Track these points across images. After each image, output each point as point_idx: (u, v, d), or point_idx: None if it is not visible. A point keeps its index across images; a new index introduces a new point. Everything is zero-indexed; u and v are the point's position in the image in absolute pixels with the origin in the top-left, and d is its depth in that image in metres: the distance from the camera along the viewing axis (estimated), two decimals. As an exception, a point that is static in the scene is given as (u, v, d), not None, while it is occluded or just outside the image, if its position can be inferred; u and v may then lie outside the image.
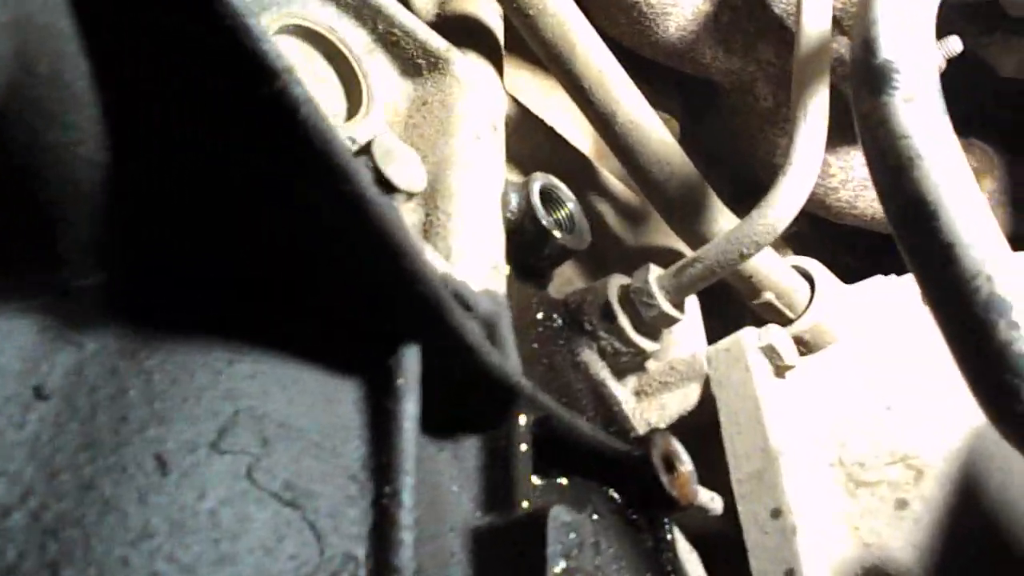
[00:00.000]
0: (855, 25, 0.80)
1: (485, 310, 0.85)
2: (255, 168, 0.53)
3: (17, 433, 0.49)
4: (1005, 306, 0.64)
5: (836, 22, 1.27)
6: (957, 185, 0.69)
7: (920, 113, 0.72)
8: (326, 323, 0.65)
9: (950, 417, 0.93)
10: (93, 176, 0.47)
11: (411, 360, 0.66)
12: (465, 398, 0.75)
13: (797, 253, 1.82)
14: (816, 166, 1.03)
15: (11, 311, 0.52)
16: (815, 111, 1.05)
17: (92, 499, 0.48)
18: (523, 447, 0.75)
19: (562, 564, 0.65)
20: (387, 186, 0.80)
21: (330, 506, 0.57)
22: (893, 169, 0.71)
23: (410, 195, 0.84)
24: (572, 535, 0.67)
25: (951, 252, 0.67)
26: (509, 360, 0.82)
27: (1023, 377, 0.63)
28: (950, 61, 1.36)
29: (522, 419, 0.76)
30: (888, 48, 0.76)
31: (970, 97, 1.35)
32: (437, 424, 0.74)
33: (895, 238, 0.72)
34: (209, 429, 0.55)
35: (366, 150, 0.80)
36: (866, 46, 0.77)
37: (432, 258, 0.82)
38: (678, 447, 0.90)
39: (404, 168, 0.83)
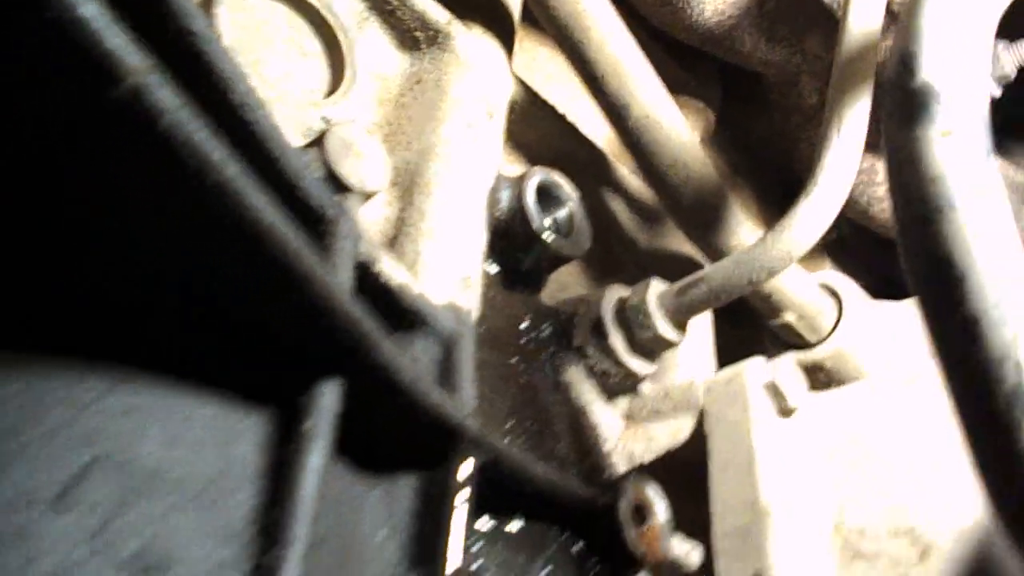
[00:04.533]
0: (895, 35, 0.68)
1: (443, 328, 0.76)
2: (113, 180, 0.45)
3: None
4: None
5: (896, 18, 1.13)
6: (994, 247, 0.57)
7: (959, 152, 0.60)
8: (230, 351, 0.56)
9: (968, 490, 0.81)
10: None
11: (325, 399, 0.57)
12: (402, 434, 0.67)
13: (837, 260, 1.69)
14: (846, 185, 0.91)
15: None
16: (852, 122, 0.92)
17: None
18: (462, 495, 0.66)
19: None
20: (339, 185, 0.71)
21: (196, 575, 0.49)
22: (918, 219, 0.59)
23: (368, 195, 0.75)
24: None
25: (976, 329, 0.55)
26: (459, 393, 0.73)
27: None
28: (1022, 70, 1.21)
29: (466, 463, 0.67)
30: (930, 66, 0.64)
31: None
32: (370, 460, 0.66)
33: (916, 302, 0.61)
34: (55, 480, 0.47)
35: (318, 142, 0.71)
36: (903, 62, 0.64)
37: (389, 267, 0.73)
38: (652, 495, 0.80)
39: (361, 164, 0.73)
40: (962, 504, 0.81)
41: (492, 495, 0.70)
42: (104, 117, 0.41)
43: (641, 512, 0.79)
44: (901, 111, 0.62)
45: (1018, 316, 0.55)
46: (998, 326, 0.55)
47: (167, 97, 0.41)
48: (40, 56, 0.39)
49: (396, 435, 0.66)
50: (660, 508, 0.81)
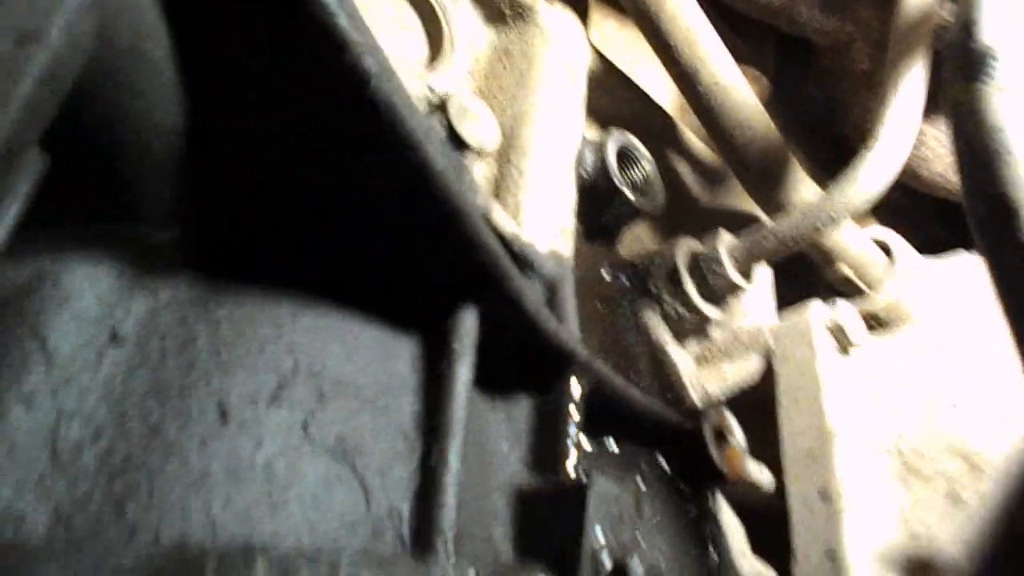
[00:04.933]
0: (958, 3, 0.76)
1: (549, 272, 0.86)
2: (324, 134, 0.55)
3: (92, 376, 0.52)
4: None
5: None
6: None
7: (1016, 106, 0.68)
8: (388, 283, 0.66)
9: (1018, 415, 0.90)
10: (165, 140, 0.49)
11: (467, 323, 0.67)
12: (521, 359, 0.77)
13: (884, 221, 1.76)
14: (908, 143, 0.99)
15: (93, 259, 0.55)
16: (911, 82, 1.00)
17: (157, 443, 0.51)
18: (574, 412, 0.76)
19: (600, 533, 0.67)
20: (459, 144, 0.81)
21: (379, 463, 0.60)
22: (980, 163, 0.68)
23: (482, 153, 0.84)
24: (613, 506, 0.68)
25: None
26: (567, 325, 0.83)
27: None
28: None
29: (575, 384, 0.77)
30: (989, 31, 0.72)
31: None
32: (492, 382, 0.76)
33: (975, 237, 0.70)
34: (269, 381, 0.57)
35: (442, 107, 0.80)
36: (965, 27, 0.73)
37: (500, 217, 0.82)
38: (731, 422, 0.90)
39: (477, 126, 0.83)
40: (1009, 426, 0.90)
41: (595, 416, 0.80)
42: (327, 79, 0.51)
43: (721, 436, 0.89)
44: (964, 69, 0.71)
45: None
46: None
47: (375, 64, 0.51)
48: (284, 30, 0.48)
49: (517, 360, 0.76)
50: (738, 433, 0.90)
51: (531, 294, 0.69)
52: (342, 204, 0.62)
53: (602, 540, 0.65)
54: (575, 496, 0.67)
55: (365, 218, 0.62)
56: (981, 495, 0.89)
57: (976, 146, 0.69)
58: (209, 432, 0.53)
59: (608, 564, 0.64)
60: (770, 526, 0.96)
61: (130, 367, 0.54)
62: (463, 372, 0.65)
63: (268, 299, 0.61)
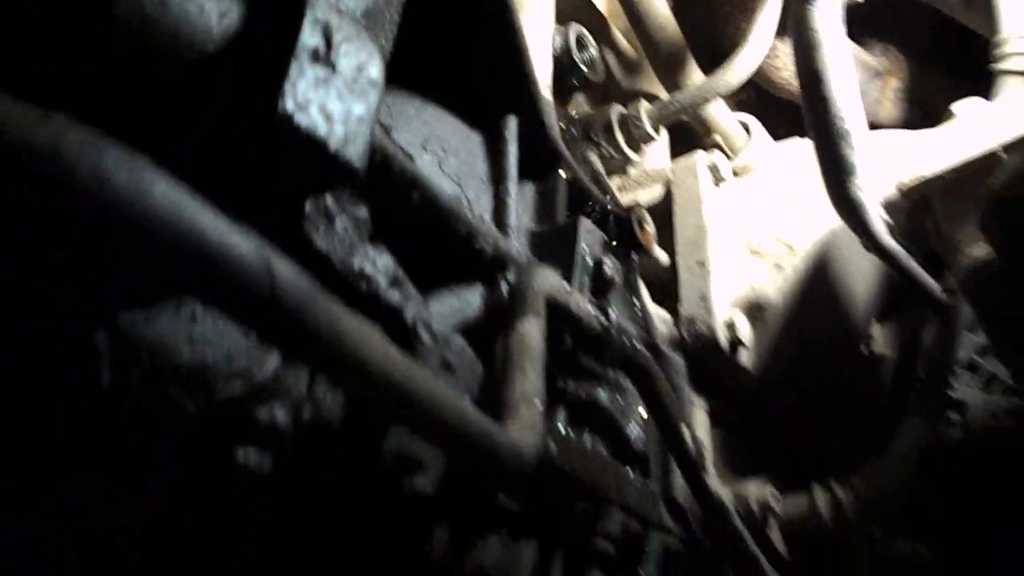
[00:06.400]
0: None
1: (547, 109, 1.33)
2: None
3: None
4: (849, 135, 1.15)
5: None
6: (838, 80, 1.18)
7: (825, 29, 1.20)
8: (467, 95, 1.11)
9: (818, 221, 1.46)
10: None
11: (512, 126, 1.14)
12: (533, 159, 1.24)
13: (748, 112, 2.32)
14: (764, 49, 1.51)
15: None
16: (768, 8, 1.52)
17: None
18: (562, 191, 1.25)
19: (588, 255, 1.15)
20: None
21: (474, 192, 1.06)
22: (806, 66, 1.20)
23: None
24: (595, 238, 1.17)
25: (830, 114, 1.17)
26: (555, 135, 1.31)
27: (851, 179, 1.14)
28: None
29: (562, 175, 1.25)
30: (816, -25, 1.23)
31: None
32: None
33: (807, 123, 1.21)
34: (416, 141, 1.02)
35: None
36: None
37: (514, 70, 1.28)
38: (647, 216, 1.41)
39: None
40: (815, 227, 1.46)
41: (573, 199, 1.29)
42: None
43: (642, 224, 1.40)
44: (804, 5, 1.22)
45: (849, 109, 1.17)
46: (840, 112, 1.16)
47: None
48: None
49: (529, 159, 1.22)
50: (650, 223, 1.42)
51: (549, 108, 1.16)
52: (452, 45, 1.06)
53: (587, 249, 1.15)
54: (571, 231, 1.16)
55: (459, 46, 1.06)
56: (794, 267, 1.44)
57: (808, 55, 1.20)
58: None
59: (591, 263, 1.14)
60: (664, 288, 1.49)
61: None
62: (512, 150, 1.12)
63: (411, 97, 1.05)
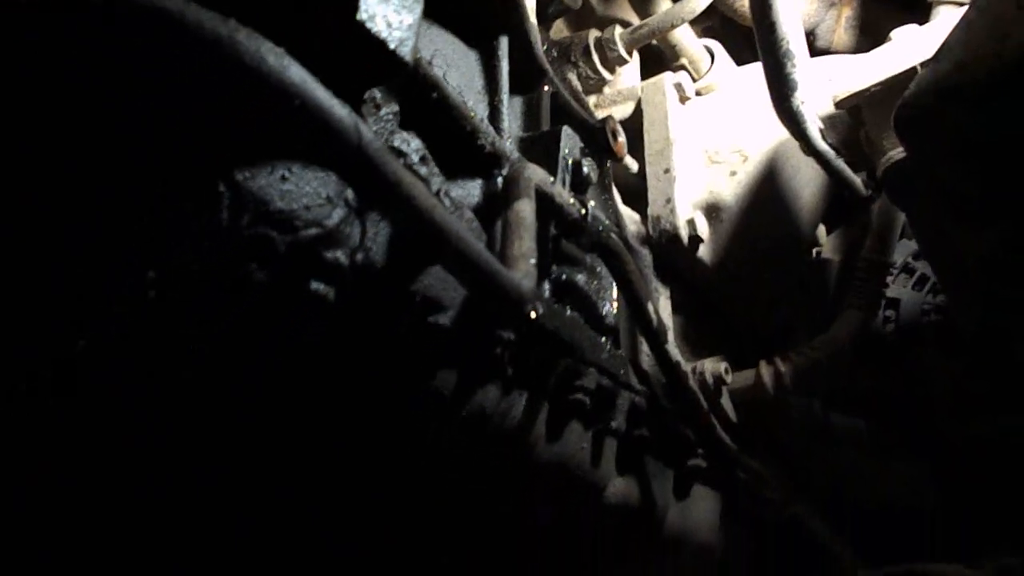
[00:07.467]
0: None
1: (531, 29, 1.51)
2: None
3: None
4: (793, 56, 1.34)
5: None
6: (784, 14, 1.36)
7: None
8: (463, 19, 1.29)
9: (768, 133, 1.66)
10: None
11: (504, 43, 1.32)
12: (522, 73, 1.42)
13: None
14: (726, -24, 1.69)
15: None
16: (732, -60, 1.70)
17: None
18: (546, 103, 1.43)
19: (569, 156, 1.35)
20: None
21: (472, 102, 1.24)
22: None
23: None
24: (576, 143, 1.37)
25: (775, 41, 1.36)
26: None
27: (794, 94, 1.34)
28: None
29: (547, 89, 1.44)
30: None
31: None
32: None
33: (754, 25, 1.40)
34: (425, 55, 1.20)
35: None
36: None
37: (503, -4, 1.45)
38: (619, 127, 1.60)
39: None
40: (765, 138, 1.66)
41: (555, 112, 1.47)
42: None
43: (615, 135, 1.59)
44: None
45: (793, 34, 1.36)
46: (784, 36, 1.36)
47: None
48: None
49: (518, 73, 1.41)
50: (622, 135, 1.61)
51: (534, 29, 1.35)
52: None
53: (568, 152, 1.34)
54: (553, 136, 1.35)
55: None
56: (748, 172, 1.65)
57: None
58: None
59: (571, 163, 1.33)
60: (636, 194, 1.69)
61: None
62: (504, 64, 1.30)
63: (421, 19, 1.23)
